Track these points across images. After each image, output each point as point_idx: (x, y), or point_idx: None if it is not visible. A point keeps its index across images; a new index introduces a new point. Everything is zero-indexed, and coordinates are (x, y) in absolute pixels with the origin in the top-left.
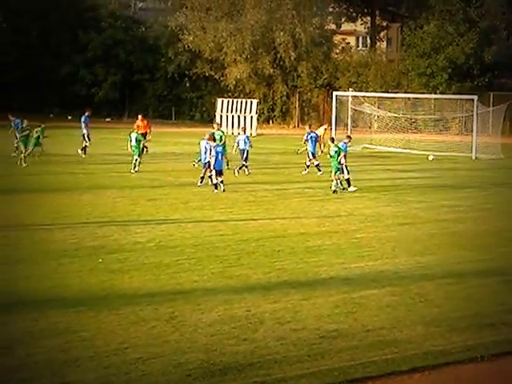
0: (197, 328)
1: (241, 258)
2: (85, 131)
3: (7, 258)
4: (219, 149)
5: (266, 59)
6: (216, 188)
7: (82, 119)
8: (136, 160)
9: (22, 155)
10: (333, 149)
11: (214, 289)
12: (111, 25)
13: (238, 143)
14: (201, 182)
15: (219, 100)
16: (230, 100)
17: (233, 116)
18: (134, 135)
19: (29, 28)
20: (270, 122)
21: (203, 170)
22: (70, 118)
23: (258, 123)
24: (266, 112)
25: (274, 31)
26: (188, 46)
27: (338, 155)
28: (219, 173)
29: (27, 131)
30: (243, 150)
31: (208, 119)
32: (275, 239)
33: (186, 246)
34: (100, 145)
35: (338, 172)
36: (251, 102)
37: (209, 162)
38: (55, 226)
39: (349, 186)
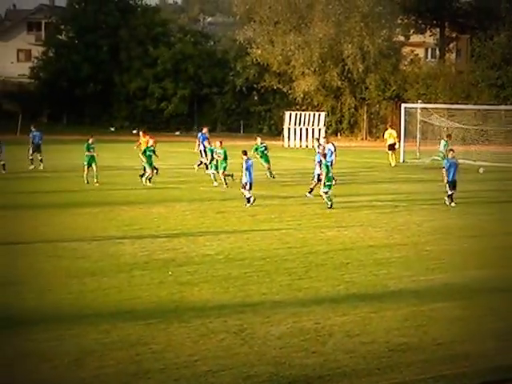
0: (266, 341)
1: (309, 271)
2: (201, 147)
3: (78, 271)
4: (250, 162)
5: (334, 72)
6: (249, 202)
7: (199, 136)
8: (146, 174)
9: (86, 174)
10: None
11: (283, 301)
12: (181, 39)
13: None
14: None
15: (287, 113)
16: (298, 113)
17: (301, 129)
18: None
19: (100, 44)
20: (338, 134)
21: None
22: (135, 131)
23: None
24: (333, 124)
25: (342, 44)
26: (256, 60)
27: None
28: (250, 186)
29: (92, 150)
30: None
31: (276, 132)
32: (344, 252)
33: (254, 259)
34: (169, 158)
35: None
36: (319, 114)
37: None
38: (126, 239)
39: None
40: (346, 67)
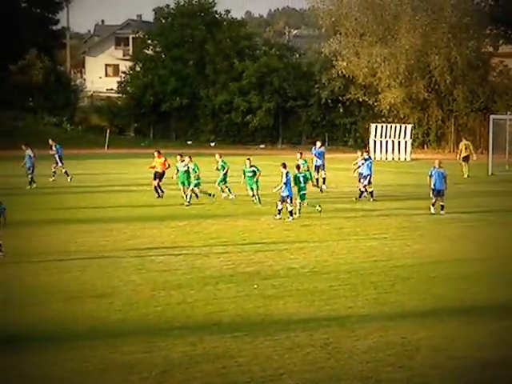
0: (352, 355)
1: (395, 284)
2: (319, 162)
3: (165, 284)
4: (290, 176)
5: (421, 83)
6: (292, 215)
7: (313, 151)
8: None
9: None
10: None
11: (369, 315)
12: (266, 52)
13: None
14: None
15: (373, 125)
16: (384, 125)
17: (387, 141)
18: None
19: (186, 58)
20: (425, 146)
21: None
22: (212, 144)
23: (412, 148)
24: (420, 137)
25: (428, 55)
26: (342, 72)
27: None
28: (286, 199)
29: (186, 167)
30: (367, 175)
31: (362, 145)
32: (430, 265)
33: (339, 272)
34: None
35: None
36: (405, 126)
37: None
38: (212, 252)
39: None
40: (433, 79)
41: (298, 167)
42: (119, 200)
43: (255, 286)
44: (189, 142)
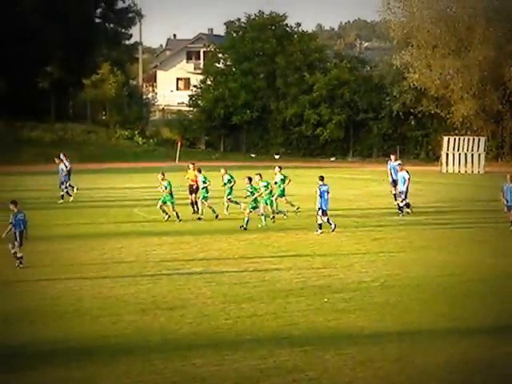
0: (425, 370)
1: (468, 299)
2: (395, 177)
3: (236, 297)
4: (324, 188)
5: (495, 95)
6: (320, 228)
7: (388, 165)
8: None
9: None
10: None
11: (442, 330)
12: (336, 65)
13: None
14: None
15: (445, 138)
16: (457, 138)
17: (459, 154)
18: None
19: (257, 71)
20: (499, 159)
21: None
22: (277, 157)
23: (485, 161)
24: (494, 149)
25: (503, 66)
26: (413, 84)
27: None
28: (324, 212)
29: (208, 183)
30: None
31: (434, 157)
32: (504, 280)
33: (411, 286)
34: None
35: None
36: (479, 139)
37: None
38: (282, 265)
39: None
40: (507, 90)
41: (249, 179)
42: (190, 213)
43: (325, 300)
44: (252, 155)
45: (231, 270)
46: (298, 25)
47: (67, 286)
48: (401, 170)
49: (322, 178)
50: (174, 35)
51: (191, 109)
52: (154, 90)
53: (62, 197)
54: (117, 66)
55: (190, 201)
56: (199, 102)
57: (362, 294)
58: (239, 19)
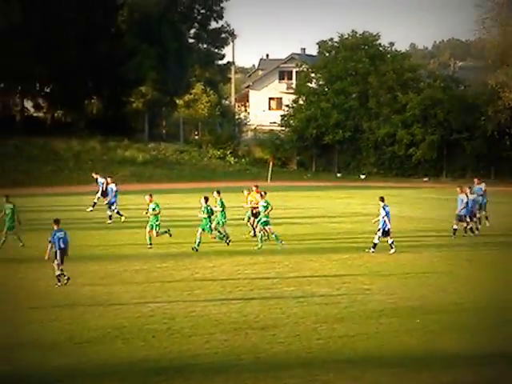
0: None
1: None
2: (480, 200)
3: (327, 317)
4: (387, 209)
5: None
6: (374, 248)
7: (473, 188)
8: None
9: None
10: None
11: None
12: (430, 85)
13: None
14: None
15: None
16: None
17: None
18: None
19: (349, 90)
20: None
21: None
22: (363, 177)
23: None
24: None
25: None
26: (509, 104)
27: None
28: (386, 233)
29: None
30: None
31: None
32: None
33: (508, 309)
34: (416, 204)
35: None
36: None
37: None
38: (374, 285)
39: None
40: None
41: (206, 199)
42: (283, 232)
43: (418, 321)
44: (338, 175)
45: (323, 290)
46: (391, 44)
47: (160, 305)
48: (461, 192)
49: (382, 199)
50: (267, 55)
51: (283, 128)
52: (246, 110)
53: (110, 217)
54: (209, 86)
55: (250, 223)
56: (291, 121)
57: (455, 316)
58: (332, 39)
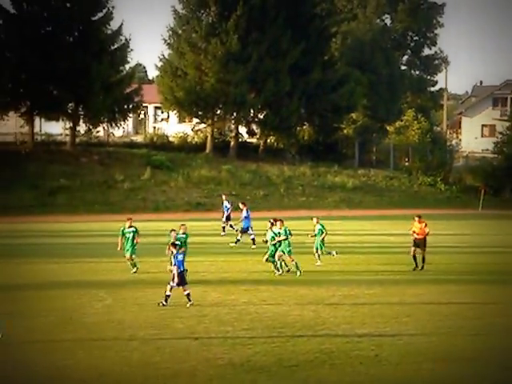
0: None
1: None
2: None
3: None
4: None
5: None
6: None
7: None
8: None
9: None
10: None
11: None
12: None
13: None
14: None
15: None
16: None
17: None
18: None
19: None
20: None
21: None
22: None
23: None
24: None
25: None
26: None
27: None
28: None
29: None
30: None
31: None
32: None
33: None
34: None
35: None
36: None
37: None
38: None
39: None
40: None
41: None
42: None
43: None
44: None
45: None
46: None
47: (367, 331)
48: None
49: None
50: (481, 82)
51: (496, 155)
52: (457, 137)
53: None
54: (421, 113)
55: (412, 254)
56: (504, 148)
57: None
58: None
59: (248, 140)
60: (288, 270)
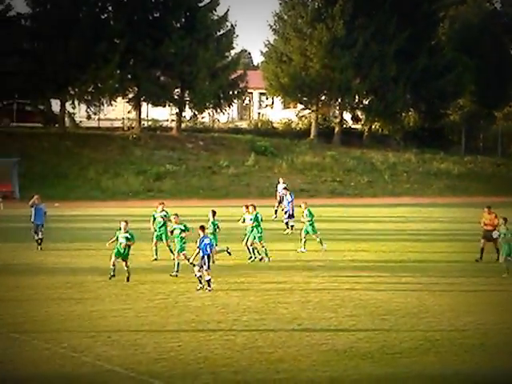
0: None
1: None
2: None
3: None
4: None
5: None
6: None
7: None
8: None
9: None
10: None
11: None
12: None
13: None
14: None
15: None
16: None
17: None
18: None
19: None
20: None
21: None
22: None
23: None
24: None
25: None
26: None
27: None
28: None
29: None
30: None
31: None
32: None
33: None
34: None
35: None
36: None
37: None
38: None
39: None
40: None
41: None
42: None
43: None
44: None
45: None
46: None
47: (472, 319)
48: None
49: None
50: None
51: None
52: None
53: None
54: None
55: (482, 246)
56: None
57: None
58: None
59: (352, 126)
60: (261, 259)
